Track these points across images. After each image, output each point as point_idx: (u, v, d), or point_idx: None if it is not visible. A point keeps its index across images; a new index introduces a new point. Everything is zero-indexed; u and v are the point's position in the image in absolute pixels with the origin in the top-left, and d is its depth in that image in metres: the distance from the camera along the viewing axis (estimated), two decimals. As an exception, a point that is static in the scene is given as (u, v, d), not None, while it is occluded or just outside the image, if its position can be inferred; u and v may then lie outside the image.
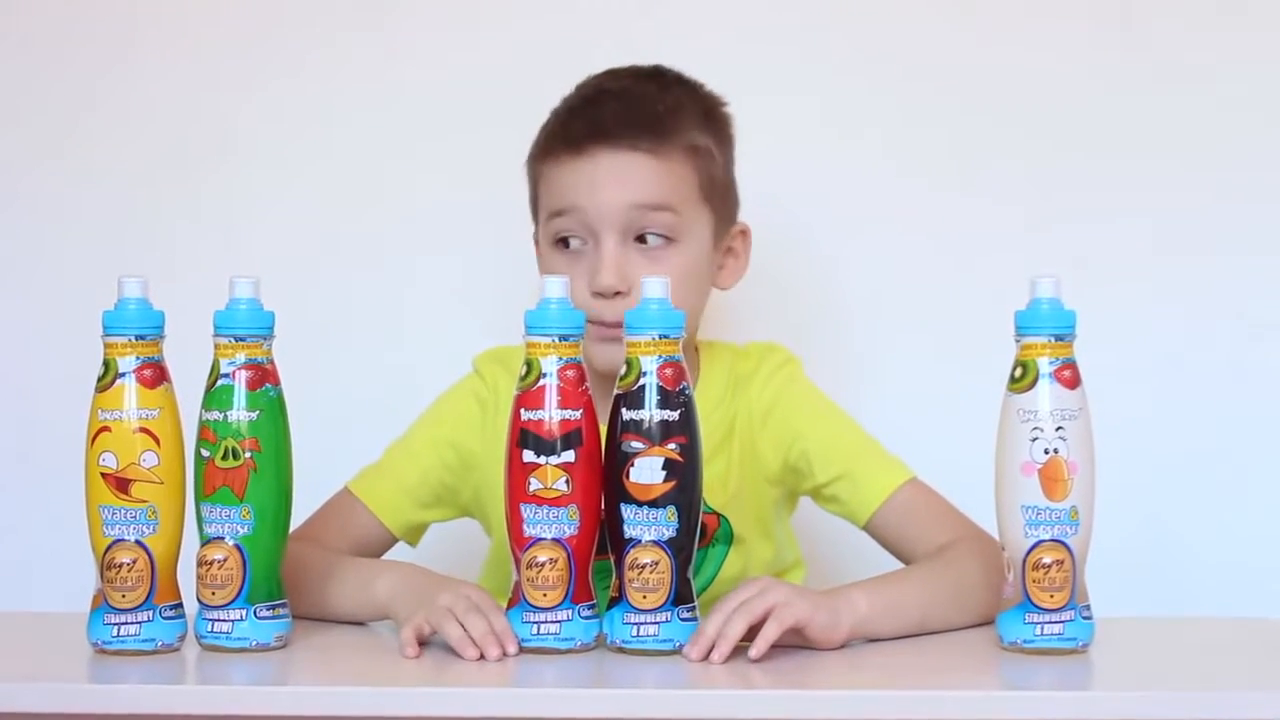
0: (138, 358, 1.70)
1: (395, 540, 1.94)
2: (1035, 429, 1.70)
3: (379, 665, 1.70)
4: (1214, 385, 2.28)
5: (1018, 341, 1.71)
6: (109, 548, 1.70)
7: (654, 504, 1.69)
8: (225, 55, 2.32)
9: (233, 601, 1.71)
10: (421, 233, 2.31)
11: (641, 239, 1.89)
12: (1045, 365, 1.70)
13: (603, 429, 1.71)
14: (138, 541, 1.70)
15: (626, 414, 1.70)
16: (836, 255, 2.29)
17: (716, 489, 1.93)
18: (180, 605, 1.73)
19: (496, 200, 2.13)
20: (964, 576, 1.81)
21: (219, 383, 1.71)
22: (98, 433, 1.70)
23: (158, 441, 1.70)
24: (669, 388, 1.70)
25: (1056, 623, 1.70)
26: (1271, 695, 1.62)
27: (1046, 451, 1.70)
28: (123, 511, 1.70)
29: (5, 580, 2.26)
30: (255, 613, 1.71)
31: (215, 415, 1.71)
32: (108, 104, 2.32)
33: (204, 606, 1.72)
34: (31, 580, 2.25)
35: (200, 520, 1.72)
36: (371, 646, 1.75)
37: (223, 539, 1.71)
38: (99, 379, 1.71)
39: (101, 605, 1.71)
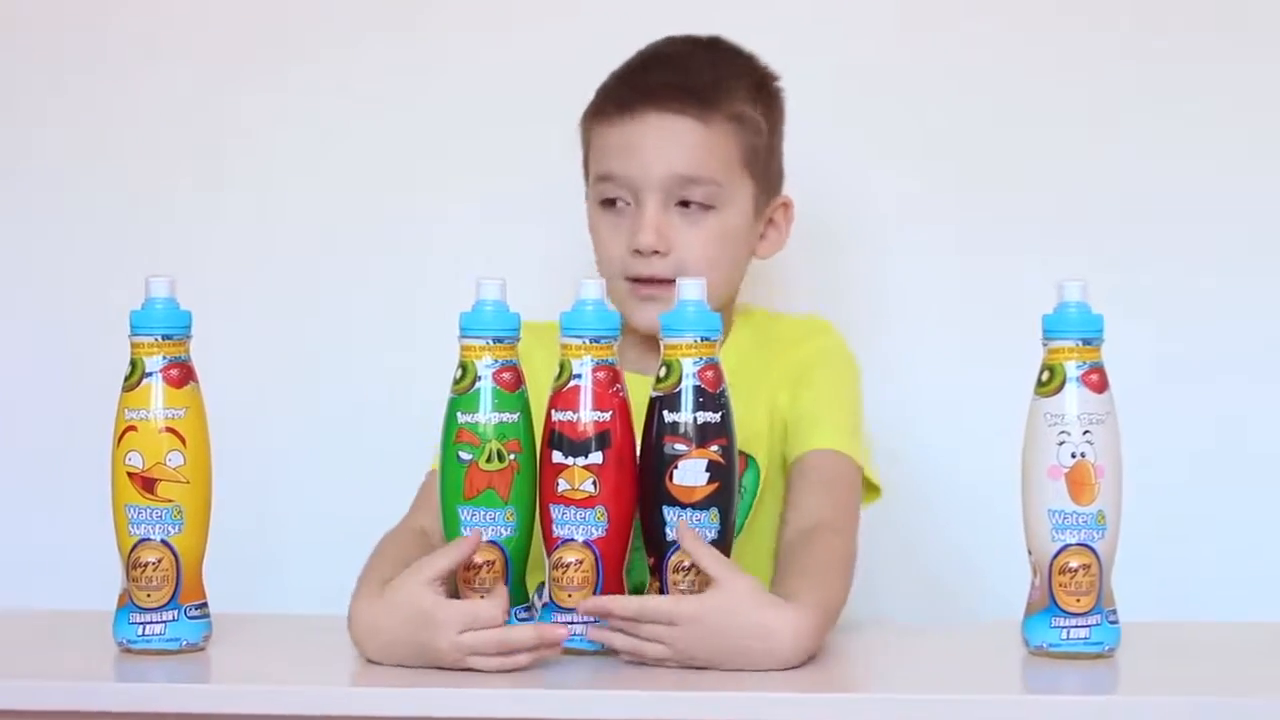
0: (164, 357, 1.70)
1: None
2: (1062, 433, 1.70)
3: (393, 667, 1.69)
4: (1240, 385, 2.27)
5: (1045, 345, 1.71)
6: (134, 547, 1.70)
7: (697, 506, 1.69)
8: (251, 55, 2.32)
9: None
10: (447, 230, 2.31)
11: (682, 203, 1.91)
12: (1072, 369, 1.70)
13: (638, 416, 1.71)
14: (163, 541, 1.70)
15: (669, 416, 1.69)
16: (862, 258, 2.29)
17: (745, 428, 1.87)
18: (205, 605, 1.73)
19: (528, 197, 2.14)
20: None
21: (475, 386, 1.69)
22: (124, 432, 1.70)
23: (184, 441, 1.70)
24: (710, 390, 1.69)
25: (1083, 627, 1.70)
26: (1300, 701, 1.62)
27: (1074, 455, 1.69)
28: (148, 511, 1.70)
29: (32, 578, 2.26)
30: (514, 614, 1.70)
31: (473, 418, 1.69)
32: (136, 103, 2.32)
33: None
34: (57, 579, 2.25)
35: (455, 524, 1.70)
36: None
37: (490, 542, 1.70)
38: (126, 378, 1.71)
39: (127, 604, 1.71)
